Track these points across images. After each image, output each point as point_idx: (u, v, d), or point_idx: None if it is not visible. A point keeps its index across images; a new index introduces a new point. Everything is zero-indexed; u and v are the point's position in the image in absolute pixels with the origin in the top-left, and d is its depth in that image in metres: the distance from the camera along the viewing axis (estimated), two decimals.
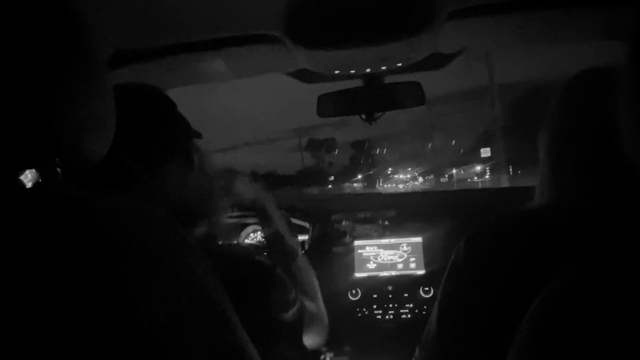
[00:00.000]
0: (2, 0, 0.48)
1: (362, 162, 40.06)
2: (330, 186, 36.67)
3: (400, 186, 33.93)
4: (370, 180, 36.51)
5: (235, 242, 1.82)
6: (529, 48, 1.72)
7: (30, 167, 0.51)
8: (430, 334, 0.87)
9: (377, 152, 40.85)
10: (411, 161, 39.35)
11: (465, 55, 1.46)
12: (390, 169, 39.66)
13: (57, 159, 0.54)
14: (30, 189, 0.50)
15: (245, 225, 1.88)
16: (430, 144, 37.74)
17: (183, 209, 0.86)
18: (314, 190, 28.55)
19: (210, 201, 0.95)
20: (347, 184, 37.03)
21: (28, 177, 0.52)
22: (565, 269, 0.47)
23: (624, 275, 0.43)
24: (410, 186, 33.92)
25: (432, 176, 35.40)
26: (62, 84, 0.52)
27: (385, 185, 35.30)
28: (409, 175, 37.15)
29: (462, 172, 32.25)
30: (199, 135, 0.95)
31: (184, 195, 0.88)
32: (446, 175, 33.97)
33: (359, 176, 37.94)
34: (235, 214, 1.83)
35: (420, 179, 35.95)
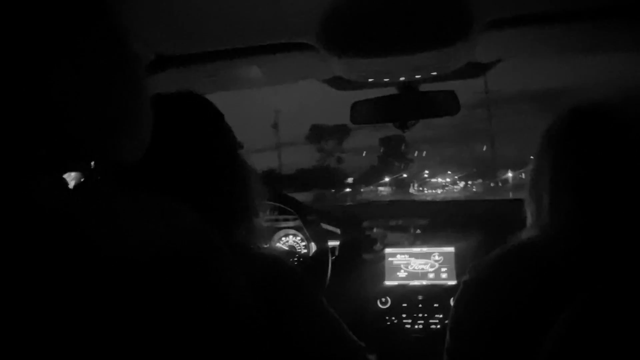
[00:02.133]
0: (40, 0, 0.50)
1: (393, 162, 34.07)
2: (348, 189, 29.16)
3: (439, 191, 30.63)
4: (401, 184, 31.27)
5: (267, 245, 1.84)
6: (566, 58, 1.68)
7: (59, 168, 0.53)
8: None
9: (415, 154, 35.39)
10: (452, 164, 34.95)
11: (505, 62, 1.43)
12: (427, 171, 34.65)
13: (91, 160, 0.55)
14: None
15: (277, 229, 1.90)
16: (484, 146, 32.57)
17: (225, 212, 0.90)
18: (308, 196, 18.95)
19: (251, 205, 0.97)
20: (372, 187, 30.32)
21: (71, 177, 0.55)
22: (582, 297, 0.49)
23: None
24: (451, 191, 30.22)
25: (480, 180, 30.34)
26: (98, 84, 0.53)
27: (425, 190, 31.07)
28: (448, 180, 33.59)
29: (524, 177, 28.12)
30: (241, 146, 0.98)
31: (228, 199, 0.91)
32: (499, 180, 28.78)
33: (387, 179, 31.86)
34: (269, 217, 1.85)
35: (462, 184, 32.17)
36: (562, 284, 0.64)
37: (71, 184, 0.54)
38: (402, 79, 1.48)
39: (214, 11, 1.12)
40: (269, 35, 1.26)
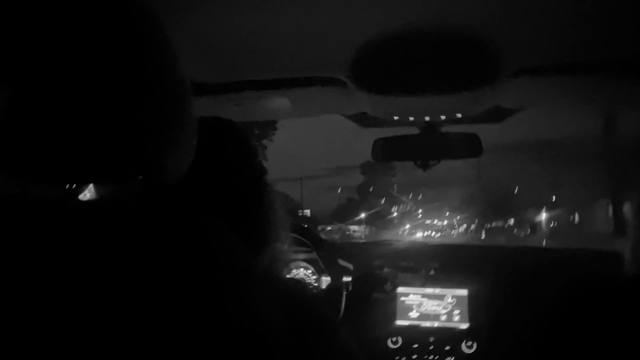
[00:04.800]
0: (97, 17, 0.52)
1: (375, 197, 26.74)
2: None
3: (437, 235, 27.26)
4: (387, 225, 24.89)
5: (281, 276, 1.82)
6: (594, 110, 1.71)
7: (113, 180, 0.54)
8: None
9: (410, 195, 30.49)
10: (451, 205, 29.83)
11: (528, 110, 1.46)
12: (420, 210, 30.05)
13: (140, 176, 0.56)
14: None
15: (290, 261, 1.88)
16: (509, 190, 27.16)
17: (254, 238, 0.90)
18: None
19: (277, 232, 0.98)
20: (341, 225, 23.42)
21: (86, 196, 0.55)
22: None
23: None
24: (455, 235, 26.63)
25: (490, 224, 25.83)
26: (154, 101, 0.54)
27: (418, 233, 25.93)
28: (445, 222, 30.32)
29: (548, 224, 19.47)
30: (265, 172, 0.99)
31: (257, 225, 0.92)
32: (513, 225, 23.58)
33: (362, 215, 25.89)
34: (285, 247, 1.83)
35: (463, 227, 28.39)
36: None
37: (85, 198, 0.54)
38: (426, 118, 1.50)
39: (249, 43, 1.15)
40: (303, 69, 1.28)
